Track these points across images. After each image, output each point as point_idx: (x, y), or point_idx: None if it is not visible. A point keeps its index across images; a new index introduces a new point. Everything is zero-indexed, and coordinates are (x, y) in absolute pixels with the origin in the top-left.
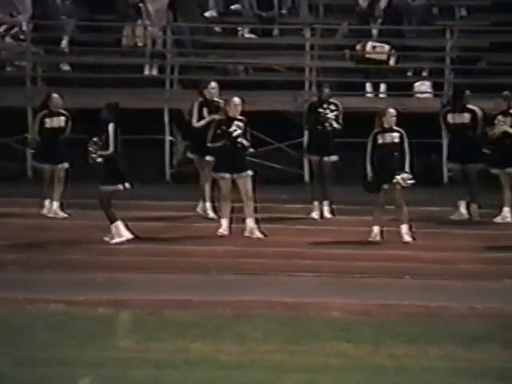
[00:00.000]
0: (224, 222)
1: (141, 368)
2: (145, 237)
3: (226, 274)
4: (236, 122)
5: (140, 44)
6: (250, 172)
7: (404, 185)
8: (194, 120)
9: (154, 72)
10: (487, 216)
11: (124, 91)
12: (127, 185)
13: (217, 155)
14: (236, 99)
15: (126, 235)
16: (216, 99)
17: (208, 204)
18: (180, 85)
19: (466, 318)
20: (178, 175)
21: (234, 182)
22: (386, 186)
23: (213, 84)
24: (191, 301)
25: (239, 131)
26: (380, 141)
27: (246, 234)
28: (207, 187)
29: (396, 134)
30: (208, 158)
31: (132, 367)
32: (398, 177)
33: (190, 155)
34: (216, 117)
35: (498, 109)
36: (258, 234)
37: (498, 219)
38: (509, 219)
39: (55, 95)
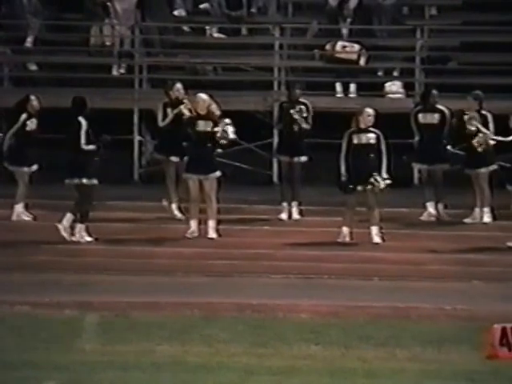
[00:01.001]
0: (193, 224)
1: (107, 371)
2: (112, 238)
3: (194, 275)
4: (206, 122)
5: (108, 43)
6: (218, 173)
7: (380, 187)
8: (159, 120)
9: (122, 71)
10: (456, 216)
11: (92, 91)
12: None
13: (188, 156)
14: (204, 96)
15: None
16: (184, 100)
17: (174, 205)
18: (149, 84)
19: (436, 319)
20: (146, 175)
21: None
22: (360, 188)
23: (178, 85)
24: (158, 303)
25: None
26: (355, 141)
27: (209, 234)
28: (172, 188)
29: (372, 135)
30: (173, 158)
31: (98, 370)
32: (374, 180)
33: (156, 155)
34: (176, 111)
35: (471, 109)
36: (212, 235)
37: (468, 220)
38: (479, 220)
39: (33, 97)
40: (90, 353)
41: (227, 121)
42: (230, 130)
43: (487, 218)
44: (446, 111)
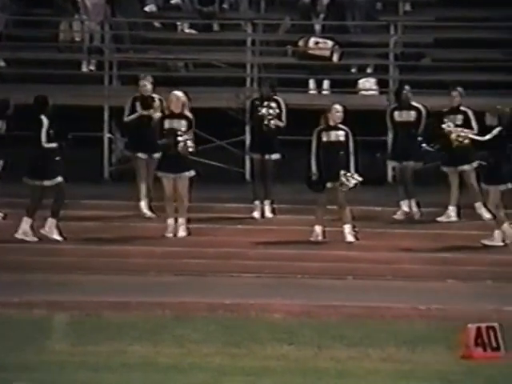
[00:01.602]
0: (170, 223)
1: (77, 372)
2: (83, 237)
3: (166, 275)
4: (180, 120)
5: (77, 39)
6: (192, 172)
7: (350, 186)
8: (125, 114)
9: (92, 68)
10: (429, 215)
11: (61, 87)
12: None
13: (161, 154)
14: (177, 93)
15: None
16: (154, 95)
17: (143, 203)
18: (119, 81)
19: (410, 319)
20: (116, 173)
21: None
22: (329, 185)
23: (142, 81)
24: (129, 302)
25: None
26: (324, 138)
27: (179, 232)
28: (142, 185)
29: (341, 132)
30: (140, 154)
31: (68, 371)
32: (343, 178)
33: (125, 152)
34: (144, 113)
35: (450, 105)
36: (181, 233)
37: (442, 218)
38: (453, 218)
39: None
40: (59, 353)
41: (188, 136)
42: (190, 144)
43: (487, 214)
44: (422, 109)
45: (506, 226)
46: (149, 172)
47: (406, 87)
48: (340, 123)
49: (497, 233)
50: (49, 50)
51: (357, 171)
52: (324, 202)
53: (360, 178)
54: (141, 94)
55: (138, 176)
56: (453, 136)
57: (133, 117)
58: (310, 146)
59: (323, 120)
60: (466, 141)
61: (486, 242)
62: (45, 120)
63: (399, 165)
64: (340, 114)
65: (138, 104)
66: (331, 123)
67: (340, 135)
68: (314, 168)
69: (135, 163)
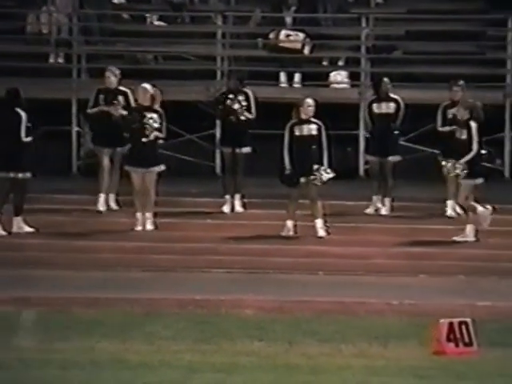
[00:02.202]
0: (140, 217)
1: (44, 369)
2: (51, 232)
3: (135, 270)
4: (150, 114)
5: (45, 31)
6: (162, 167)
7: (323, 180)
8: (89, 106)
9: (60, 61)
10: (401, 209)
11: (28, 81)
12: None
13: (130, 148)
14: (146, 86)
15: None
16: (121, 88)
17: (102, 196)
18: (87, 74)
19: (382, 314)
20: (85, 167)
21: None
22: (303, 180)
23: (106, 73)
24: (98, 298)
25: (157, 124)
26: (297, 132)
27: (148, 227)
28: (104, 179)
29: (314, 126)
30: (102, 148)
31: (35, 368)
32: (316, 173)
33: (90, 146)
34: (105, 109)
35: (450, 98)
36: (149, 226)
37: (449, 213)
38: (451, 213)
39: None
40: (26, 350)
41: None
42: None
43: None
44: (401, 101)
45: (480, 208)
46: (113, 166)
47: (385, 79)
48: (312, 117)
49: (468, 228)
50: (16, 42)
51: (330, 166)
52: (296, 197)
53: (333, 173)
54: (105, 86)
55: (101, 168)
56: (452, 175)
57: (94, 110)
58: (283, 140)
59: (295, 114)
60: (463, 171)
61: (458, 239)
62: (23, 114)
63: (378, 159)
64: (312, 108)
65: (101, 97)
66: (303, 117)
67: (312, 129)
68: (286, 162)
69: (100, 156)
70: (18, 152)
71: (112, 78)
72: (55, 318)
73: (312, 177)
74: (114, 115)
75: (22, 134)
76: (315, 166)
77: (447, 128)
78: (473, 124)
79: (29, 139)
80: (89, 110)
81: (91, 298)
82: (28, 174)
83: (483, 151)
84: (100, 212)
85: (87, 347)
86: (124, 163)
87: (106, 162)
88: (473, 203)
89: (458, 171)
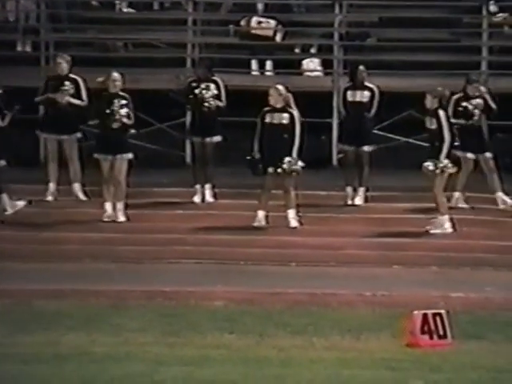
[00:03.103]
0: (108, 207)
1: (6, 364)
2: (15, 222)
3: (101, 261)
4: (118, 100)
5: (11, 19)
6: (130, 155)
7: (290, 170)
8: (39, 93)
9: (28, 49)
10: (377, 199)
11: None
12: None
13: (98, 135)
14: (115, 74)
15: None
16: (71, 75)
17: (77, 185)
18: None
19: (355, 305)
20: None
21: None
22: (270, 170)
23: (58, 59)
24: (63, 290)
25: (124, 110)
26: (267, 120)
27: (120, 218)
28: (53, 168)
29: (286, 115)
30: (49, 136)
31: None
32: (284, 165)
33: (39, 133)
34: (51, 96)
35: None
36: (121, 218)
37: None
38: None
39: None
40: None
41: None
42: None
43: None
44: (376, 89)
45: (446, 216)
46: (67, 154)
47: (361, 67)
48: (288, 106)
49: (444, 219)
50: None
51: (299, 156)
52: (269, 187)
53: (301, 166)
54: (56, 73)
55: (49, 158)
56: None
57: (40, 98)
58: (255, 127)
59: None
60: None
61: (434, 231)
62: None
63: (353, 149)
64: (280, 97)
65: (50, 84)
66: (276, 105)
67: (284, 118)
68: (255, 150)
69: (51, 144)
70: None
71: (64, 65)
72: (18, 311)
73: (279, 168)
74: (60, 102)
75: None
76: (286, 159)
77: (461, 121)
78: (441, 112)
79: (4, 123)
80: (37, 98)
81: (56, 289)
82: (2, 162)
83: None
84: (47, 201)
85: (52, 340)
86: (93, 151)
87: (52, 150)
88: (444, 201)
89: (441, 166)
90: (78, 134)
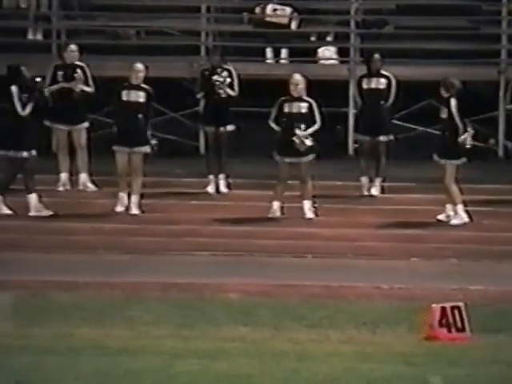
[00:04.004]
0: (122, 196)
1: (20, 355)
2: (27, 213)
3: (115, 253)
4: (138, 92)
5: (23, 6)
6: (148, 148)
7: (300, 141)
8: (47, 84)
9: (39, 37)
10: (392, 190)
11: (6, 57)
12: (34, 152)
13: (117, 127)
14: (139, 65)
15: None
16: (77, 63)
17: (85, 176)
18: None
19: (372, 298)
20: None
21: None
22: (287, 160)
23: (72, 46)
24: (77, 282)
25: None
26: (286, 109)
27: (132, 209)
28: (64, 158)
29: (304, 104)
30: (61, 126)
31: (10, 355)
32: (296, 140)
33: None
34: (65, 85)
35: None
36: (134, 211)
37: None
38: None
39: None
40: (2, 336)
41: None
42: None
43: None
44: (392, 78)
45: (461, 206)
46: (76, 144)
47: (376, 55)
48: (305, 95)
49: (459, 208)
50: None
51: (317, 142)
52: (284, 177)
53: (310, 143)
54: (63, 62)
55: (60, 148)
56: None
57: (54, 87)
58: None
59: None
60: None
61: (455, 221)
62: (14, 89)
63: (368, 139)
64: (300, 86)
65: (60, 73)
66: (294, 94)
67: (302, 107)
68: (275, 127)
69: (56, 134)
70: (17, 130)
71: (76, 53)
72: (32, 302)
73: (293, 138)
74: (75, 91)
75: (18, 108)
76: (297, 132)
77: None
78: (452, 102)
79: (27, 111)
80: (47, 89)
81: (70, 281)
82: (25, 154)
83: (469, 129)
84: (59, 191)
85: (65, 333)
86: (112, 143)
87: (62, 139)
88: (457, 192)
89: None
90: (87, 124)
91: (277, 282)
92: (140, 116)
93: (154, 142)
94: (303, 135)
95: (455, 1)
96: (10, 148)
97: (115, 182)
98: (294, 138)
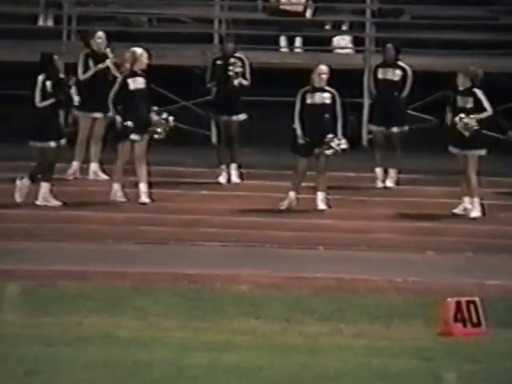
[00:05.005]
0: (118, 188)
1: (30, 345)
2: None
3: (125, 243)
4: (140, 79)
5: None
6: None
7: (337, 150)
8: (80, 72)
9: (50, 23)
10: (407, 182)
11: (16, 43)
12: (63, 141)
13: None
14: (139, 50)
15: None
16: (104, 50)
17: (96, 165)
18: (77, 36)
19: (385, 292)
20: (72, 135)
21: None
22: (316, 151)
23: (99, 33)
24: (86, 272)
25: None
26: (309, 101)
27: (142, 197)
28: (96, 147)
29: (327, 95)
30: (96, 114)
31: (20, 344)
32: (332, 143)
33: (76, 112)
34: (101, 66)
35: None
36: (144, 199)
37: (457, 210)
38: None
39: None
40: (11, 325)
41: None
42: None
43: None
44: (408, 69)
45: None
46: (94, 133)
47: (389, 45)
48: (326, 85)
49: (476, 201)
50: (3, 3)
51: (345, 136)
52: (304, 169)
53: (347, 144)
54: (93, 49)
55: (81, 137)
56: (459, 126)
57: (90, 74)
58: (293, 107)
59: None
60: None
61: (474, 214)
62: (40, 79)
63: (383, 130)
64: (325, 76)
65: (90, 61)
66: (316, 85)
67: (326, 98)
68: (299, 132)
69: (86, 124)
70: (40, 120)
71: (104, 40)
72: (41, 292)
73: (325, 146)
74: (112, 70)
75: (36, 98)
76: (329, 136)
77: None
78: (478, 91)
79: (43, 104)
80: (82, 77)
81: (79, 271)
82: (50, 144)
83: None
84: (102, 180)
85: (75, 322)
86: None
87: (87, 130)
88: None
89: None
90: (111, 113)
91: (288, 274)
92: (146, 102)
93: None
94: (337, 143)
95: None
96: (38, 139)
97: (129, 170)
98: (333, 146)
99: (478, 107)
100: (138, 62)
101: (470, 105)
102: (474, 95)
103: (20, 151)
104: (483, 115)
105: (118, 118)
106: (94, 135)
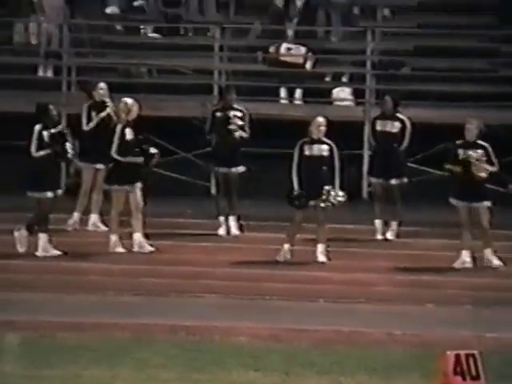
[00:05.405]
0: (114, 238)
1: None
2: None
3: (124, 294)
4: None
5: (34, 42)
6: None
7: (334, 203)
8: (84, 123)
9: (49, 73)
10: (407, 234)
11: (16, 94)
12: (59, 191)
13: (115, 166)
14: (129, 100)
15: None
16: (105, 99)
17: (96, 216)
18: (78, 87)
19: (384, 345)
20: (73, 186)
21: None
22: (312, 203)
23: (101, 84)
24: (86, 323)
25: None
26: (307, 152)
27: (135, 248)
28: (96, 198)
29: (325, 147)
30: (98, 165)
31: None
32: (328, 196)
33: (77, 163)
34: (103, 114)
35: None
36: (148, 248)
37: (456, 264)
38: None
39: None
40: (10, 376)
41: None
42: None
43: (496, 261)
44: (407, 121)
45: (489, 250)
46: (96, 183)
47: (387, 97)
48: (324, 137)
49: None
50: (2, 53)
51: (342, 188)
52: (300, 220)
53: (344, 197)
54: (95, 99)
55: (85, 188)
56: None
57: (92, 124)
58: (292, 159)
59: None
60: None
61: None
62: (36, 128)
63: (382, 182)
64: (323, 128)
65: (93, 111)
66: (314, 137)
67: (324, 149)
68: (295, 184)
69: (86, 174)
70: (35, 169)
71: (106, 91)
72: (41, 343)
73: (322, 199)
74: (113, 118)
75: (32, 148)
76: (326, 188)
77: None
78: (485, 143)
79: (39, 154)
80: (86, 127)
81: (79, 322)
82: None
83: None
84: (68, 231)
85: (74, 374)
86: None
87: (90, 181)
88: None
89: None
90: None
91: (288, 326)
92: (137, 151)
93: (153, 150)
94: (334, 196)
95: (474, 43)
96: (36, 189)
97: (125, 222)
98: (330, 199)
99: (486, 160)
100: (131, 112)
101: (475, 156)
102: (484, 148)
103: (21, 202)
104: (492, 168)
105: None
106: (96, 186)
